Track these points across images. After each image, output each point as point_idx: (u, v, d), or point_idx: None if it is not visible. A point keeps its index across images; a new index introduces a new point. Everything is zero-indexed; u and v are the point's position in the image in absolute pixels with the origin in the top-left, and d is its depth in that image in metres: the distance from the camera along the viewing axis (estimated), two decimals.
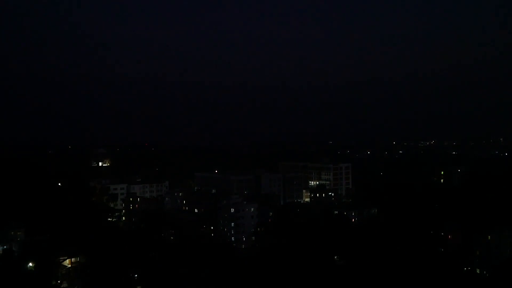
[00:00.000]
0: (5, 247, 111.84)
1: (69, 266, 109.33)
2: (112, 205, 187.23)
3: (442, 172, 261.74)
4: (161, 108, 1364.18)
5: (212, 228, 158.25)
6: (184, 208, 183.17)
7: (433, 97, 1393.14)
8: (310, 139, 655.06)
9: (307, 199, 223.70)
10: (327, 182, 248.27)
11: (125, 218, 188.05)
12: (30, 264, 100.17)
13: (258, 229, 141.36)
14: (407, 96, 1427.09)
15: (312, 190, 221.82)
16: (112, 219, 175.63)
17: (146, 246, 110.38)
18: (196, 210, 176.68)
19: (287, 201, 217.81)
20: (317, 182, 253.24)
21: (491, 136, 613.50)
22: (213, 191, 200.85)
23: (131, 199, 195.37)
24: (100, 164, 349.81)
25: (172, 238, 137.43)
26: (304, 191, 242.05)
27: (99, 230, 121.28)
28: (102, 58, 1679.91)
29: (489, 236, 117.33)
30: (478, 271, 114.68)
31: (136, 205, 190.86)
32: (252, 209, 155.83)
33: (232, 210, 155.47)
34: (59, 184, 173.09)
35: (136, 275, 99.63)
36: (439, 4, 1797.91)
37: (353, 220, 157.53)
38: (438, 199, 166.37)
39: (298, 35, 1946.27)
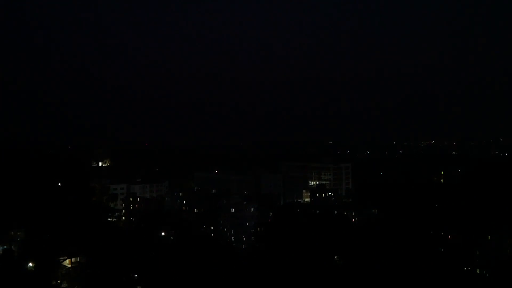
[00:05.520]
0: (5, 247, 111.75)
1: (69, 266, 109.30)
2: (112, 205, 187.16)
3: (442, 172, 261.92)
4: (161, 108, 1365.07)
5: (212, 228, 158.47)
6: (184, 208, 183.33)
7: (433, 97, 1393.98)
8: (310, 139, 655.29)
9: (307, 199, 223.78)
10: (327, 182, 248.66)
11: (125, 218, 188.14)
12: (30, 264, 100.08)
13: (258, 229, 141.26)
14: (407, 96, 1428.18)
15: (312, 190, 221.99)
16: (112, 219, 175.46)
17: (146, 246, 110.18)
18: (196, 210, 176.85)
19: (287, 201, 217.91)
20: (317, 182, 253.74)
21: (491, 136, 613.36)
22: (213, 191, 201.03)
23: (131, 199, 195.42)
24: (100, 164, 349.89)
25: (172, 238, 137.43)
26: (304, 191, 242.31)
27: (99, 230, 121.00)
28: (101, 58, 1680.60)
29: (489, 236, 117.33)
30: (478, 271, 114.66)
31: (136, 205, 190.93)
32: (252, 209, 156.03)
33: (232, 210, 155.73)
34: (59, 184, 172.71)
35: (136, 275, 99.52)
36: (438, 4, 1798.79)
37: (353, 220, 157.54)
38: (438, 199, 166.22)
39: (299, 35, 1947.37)
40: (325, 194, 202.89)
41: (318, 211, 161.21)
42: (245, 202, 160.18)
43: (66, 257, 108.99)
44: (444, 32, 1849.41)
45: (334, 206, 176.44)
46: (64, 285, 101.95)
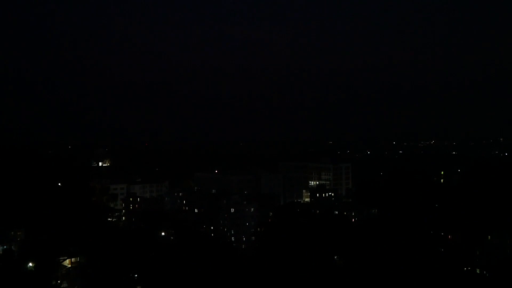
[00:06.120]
0: (5, 247, 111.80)
1: (69, 266, 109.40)
2: (112, 205, 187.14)
3: (442, 172, 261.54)
4: (162, 108, 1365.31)
5: (212, 228, 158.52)
6: (184, 208, 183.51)
7: (433, 97, 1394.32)
8: (310, 139, 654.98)
9: (307, 199, 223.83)
10: (327, 182, 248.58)
11: (125, 218, 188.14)
12: (30, 264, 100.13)
13: (258, 229, 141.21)
14: (407, 96, 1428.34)
15: (312, 190, 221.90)
16: (112, 219, 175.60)
17: (146, 246, 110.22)
18: (196, 210, 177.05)
19: (287, 201, 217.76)
20: (317, 182, 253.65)
21: (491, 136, 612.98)
22: (213, 191, 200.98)
23: (131, 199, 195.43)
24: (100, 164, 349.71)
25: (172, 238, 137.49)
26: (304, 191, 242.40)
27: (99, 230, 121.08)
28: (102, 58, 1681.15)
29: (489, 236, 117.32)
30: (478, 271, 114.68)
31: (136, 205, 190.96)
32: (252, 209, 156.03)
33: (232, 210, 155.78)
34: (59, 184, 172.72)
35: (136, 275, 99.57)
36: (437, 4, 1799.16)
37: (353, 220, 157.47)
38: (438, 199, 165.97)
39: (298, 35, 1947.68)
40: (325, 194, 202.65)
41: (318, 211, 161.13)
42: (245, 202, 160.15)
43: (66, 257, 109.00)
44: (444, 31, 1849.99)
45: (334, 206, 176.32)
46: (64, 285, 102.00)
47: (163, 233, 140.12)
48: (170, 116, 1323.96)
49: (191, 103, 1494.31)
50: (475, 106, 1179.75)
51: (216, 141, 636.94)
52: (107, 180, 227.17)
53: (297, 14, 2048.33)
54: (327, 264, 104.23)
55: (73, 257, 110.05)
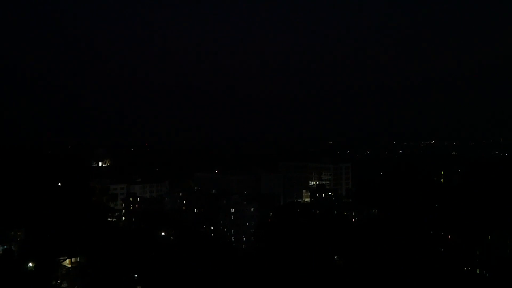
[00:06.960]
0: (5, 247, 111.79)
1: (69, 266, 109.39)
2: (112, 205, 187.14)
3: (442, 172, 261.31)
4: (162, 108, 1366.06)
5: (212, 228, 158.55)
6: (184, 208, 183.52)
7: (433, 97, 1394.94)
8: (310, 139, 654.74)
9: (307, 199, 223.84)
10: (327, 182, 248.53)
11: (125, 218, 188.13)
12: (30, 264, 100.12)
13: (258, 229, 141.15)
14: (407, 96, 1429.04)
15: (312, 190, 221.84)
16: (112, 219, 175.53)
17: (146, 246, 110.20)
18: (196, 210, 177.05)
19: (287, 201, 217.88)
20: (317, 182, 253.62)
21: (491, 136, 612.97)
22: (213, 191, 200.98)
23: (131, 199, 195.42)
24: (100, 164, 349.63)
25: (172, 238, 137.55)
26: (304, 191, 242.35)
27: (99, 230, 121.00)
28: (102, 58, 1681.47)
29: (489, 236, 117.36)
30: (478, 271, 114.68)
31: (136, 205, 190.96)
32: (252, 209, 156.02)
33: (232, 210, 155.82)
34: (59, 184, 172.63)
35: (136, 275, 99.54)
36: (437, 5, 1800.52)
37: (353, 220, 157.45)
38: (438, 199, 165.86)
39: (298, 35, 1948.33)
40: (325, 194, 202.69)
41: (318, 211, 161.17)
42: (245, 202, 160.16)
43: (66, 257, 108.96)
44: (444, 31, 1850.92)
45: (334, 206, 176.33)
46: (64, 285, 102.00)
47: (163, 233, 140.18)
48: (170, 116, 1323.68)
49: (191, 103, 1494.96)
50: (475, 106, 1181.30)
51: (216, 141, 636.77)
52: (107, 180, 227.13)
53: (298, 14, 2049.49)
54: (327, 264, 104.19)
55: (73, 257, 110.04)
